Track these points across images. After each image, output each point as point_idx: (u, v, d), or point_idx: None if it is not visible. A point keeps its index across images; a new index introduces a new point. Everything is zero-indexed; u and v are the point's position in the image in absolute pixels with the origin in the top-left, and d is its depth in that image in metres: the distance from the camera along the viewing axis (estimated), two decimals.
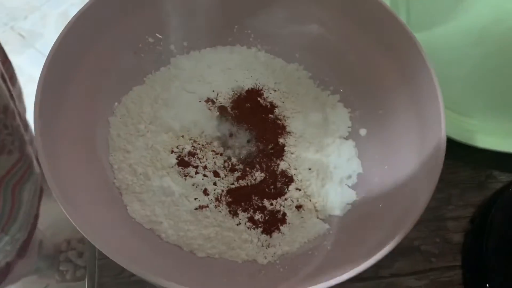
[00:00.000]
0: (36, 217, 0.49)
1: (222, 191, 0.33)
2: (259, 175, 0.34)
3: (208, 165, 0.33)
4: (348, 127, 0.37)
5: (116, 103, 0.35)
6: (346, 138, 0.36)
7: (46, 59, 0.30)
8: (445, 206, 0.38)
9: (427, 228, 0.38)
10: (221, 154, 0.34)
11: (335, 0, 0.35)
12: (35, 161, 0.48)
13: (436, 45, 0.42)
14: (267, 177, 0.34)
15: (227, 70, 0.38)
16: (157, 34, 0.36)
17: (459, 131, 0.37)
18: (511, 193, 0.34)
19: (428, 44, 0.42)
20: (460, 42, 0.43)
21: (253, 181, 0.33)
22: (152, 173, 0.33)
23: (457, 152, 0.37)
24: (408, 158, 0.32)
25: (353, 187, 0.34)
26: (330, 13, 0.35)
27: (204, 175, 0.33)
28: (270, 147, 0.35)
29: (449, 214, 0.37)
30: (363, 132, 0.36)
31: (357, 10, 0.34)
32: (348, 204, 0.33)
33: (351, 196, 0.34)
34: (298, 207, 0.33)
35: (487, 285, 0.32)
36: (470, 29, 0.43)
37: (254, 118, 0.36)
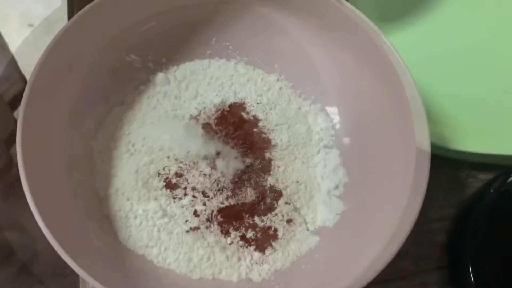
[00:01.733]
0: None
1: (213, 211, 0.33)
2: (248, 192, 0.34)
3: (196, 186, 0.33)
4: (332, 136, 0.37)
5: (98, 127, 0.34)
6: (331, 148, 0.37)
7: (27, 87, 0.29)
8: (429, 207, 0.38)
9: (412, 230, 0.39)
10: (209, 174, 0.34)
11: (307, 12, 0.35)
12: None
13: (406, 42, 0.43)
14: (257, 193, 0.34)
15: (207, 85, 0.37)
16: (134, 53, 0.36)
17: (436, 135, 0.37)
18: (491, 193, 0.35)
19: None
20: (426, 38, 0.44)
21: (242, 199, 0.33)
22: (139, 197, 0.32)
23: (437, 152, 0.38)
24: (393, 166, 0.33)
25: (341, 197, 0.35)
26: (303, 25, 0.35)
27: (193, 196, 0.33)
28: (258, 162, 0.35)
29: (433, 216, 0.37)
30: (346, 140, 0.37)
31: (331, 23, 0.34)
32: (337, 214, 0.34)
33: (339, 206, 0.34)
34: (289, 221, 0.34)
35: (474, 284, 0.33)
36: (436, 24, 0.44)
37: (240, 134, 0.35)
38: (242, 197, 0.34)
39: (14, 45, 0.47)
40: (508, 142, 0.38)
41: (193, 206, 0.33)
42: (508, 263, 0.34)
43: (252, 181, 0.34)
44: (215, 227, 0.32)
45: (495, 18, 0.45)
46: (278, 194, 0.34)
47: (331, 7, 0.34)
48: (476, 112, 0.40)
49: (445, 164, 0.39)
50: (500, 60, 0.43)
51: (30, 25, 0.47)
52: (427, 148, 0.30)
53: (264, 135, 0.36)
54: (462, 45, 0.43)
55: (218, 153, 0.34)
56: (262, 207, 0.34)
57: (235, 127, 0.36)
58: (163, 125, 0.35)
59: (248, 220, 0.33)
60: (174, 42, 0.37)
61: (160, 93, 0.36)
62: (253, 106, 0.37)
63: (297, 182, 0.35)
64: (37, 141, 0.29)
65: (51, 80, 0.30)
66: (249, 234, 0.33)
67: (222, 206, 0.33)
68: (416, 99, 0.32)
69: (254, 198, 0.34)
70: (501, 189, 0.35)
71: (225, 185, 0.34)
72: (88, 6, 0.32)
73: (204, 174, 0.34)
